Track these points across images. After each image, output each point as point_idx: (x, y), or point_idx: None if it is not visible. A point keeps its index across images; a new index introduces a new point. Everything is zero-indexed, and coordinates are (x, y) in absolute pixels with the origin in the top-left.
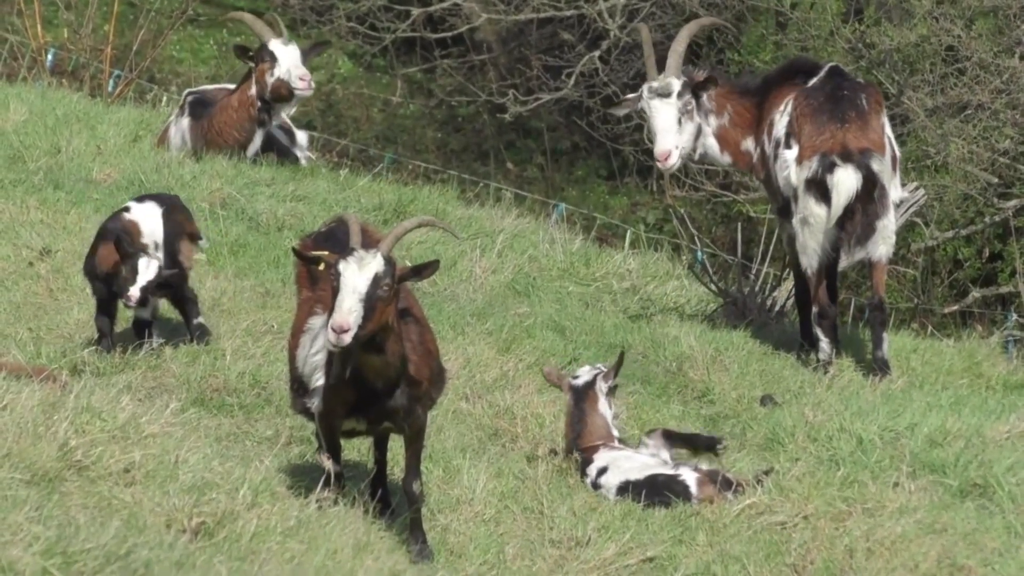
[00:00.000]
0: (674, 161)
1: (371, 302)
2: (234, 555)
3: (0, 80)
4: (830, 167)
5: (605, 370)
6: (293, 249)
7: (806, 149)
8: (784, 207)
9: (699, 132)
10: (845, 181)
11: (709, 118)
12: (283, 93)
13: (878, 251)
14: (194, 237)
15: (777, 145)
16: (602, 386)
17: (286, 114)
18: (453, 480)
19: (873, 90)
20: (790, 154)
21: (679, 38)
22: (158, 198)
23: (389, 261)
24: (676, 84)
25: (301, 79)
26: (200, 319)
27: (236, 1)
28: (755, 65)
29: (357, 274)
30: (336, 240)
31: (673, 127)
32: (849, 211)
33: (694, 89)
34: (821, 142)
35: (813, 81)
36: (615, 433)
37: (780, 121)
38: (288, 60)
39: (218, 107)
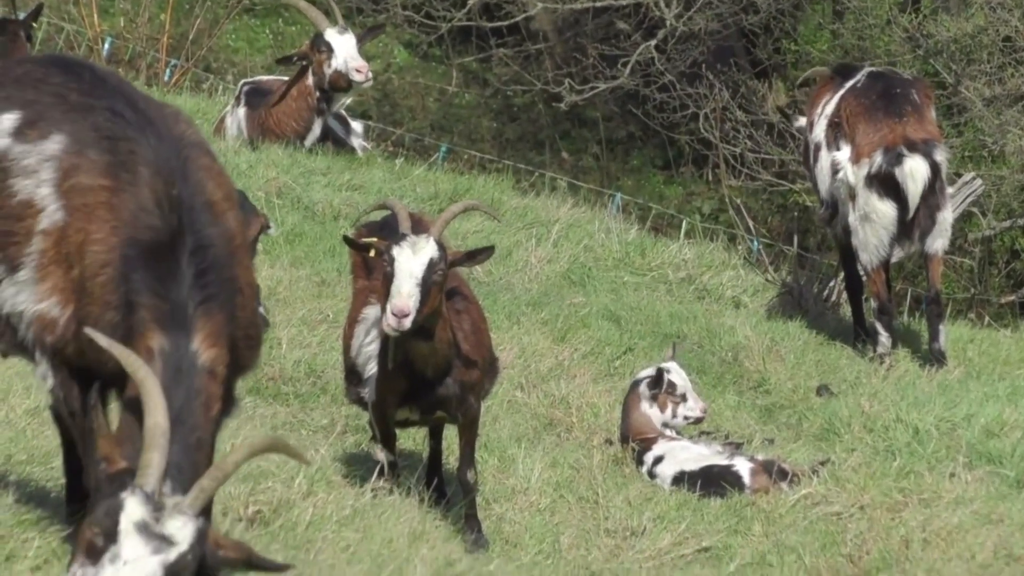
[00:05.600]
0: None
1: (427, 286)
2: (290, 543)
3: None
4: (897, 159)
5: (652, 377)
6: (344, 236)
7: (863, 147)
8: (832, 207)
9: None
10: (918, 169)
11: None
12: (342, 84)
13: (935, 244)
14: (264, 227)
15: (817, 149)
16: (645, 391)
17: (345, 102)
18: (508, 470)
19: (922, 84)
20: (841, 155)
21: None
22: None
23: (441, 246)
24: None
25: (358, 70)
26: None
27: None
28: (811, 55)
29: (412, 259)
30: (390, 230)
31: None
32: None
33: None
34: (880, 137)
35: (854, 83)
36: (666, 432)
37: (819, 123)
38: (344, 50)
39: (275, 96)
